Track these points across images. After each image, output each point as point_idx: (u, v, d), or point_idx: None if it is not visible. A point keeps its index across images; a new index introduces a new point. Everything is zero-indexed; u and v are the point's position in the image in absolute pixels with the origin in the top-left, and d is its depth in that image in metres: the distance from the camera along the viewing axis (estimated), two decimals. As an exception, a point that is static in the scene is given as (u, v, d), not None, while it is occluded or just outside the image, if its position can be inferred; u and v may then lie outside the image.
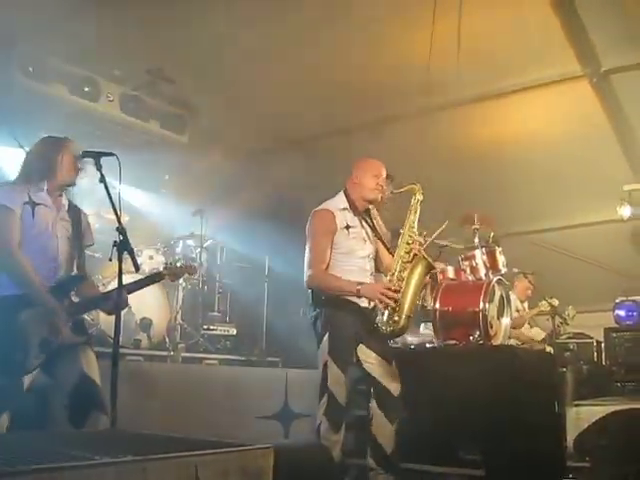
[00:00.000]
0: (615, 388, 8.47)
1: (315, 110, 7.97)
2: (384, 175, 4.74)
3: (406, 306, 4.40)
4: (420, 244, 4.54)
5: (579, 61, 6.96)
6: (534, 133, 7.94)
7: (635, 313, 8.84)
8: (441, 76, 6.78)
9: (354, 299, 4.50)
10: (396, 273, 4.47)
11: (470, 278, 5.86)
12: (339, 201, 4.73)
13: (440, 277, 5.95)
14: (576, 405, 7.14)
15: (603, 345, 8.90)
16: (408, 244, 4.53)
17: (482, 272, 5.89)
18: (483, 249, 5.99)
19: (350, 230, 4.62)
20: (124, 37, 6.79)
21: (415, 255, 4.49)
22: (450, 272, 6.03)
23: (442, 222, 5.49)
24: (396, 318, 4.39)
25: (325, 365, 4.44)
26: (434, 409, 4.91)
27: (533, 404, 5.02)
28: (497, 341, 5.49)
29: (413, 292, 4.45)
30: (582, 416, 6.76)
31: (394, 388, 4.58)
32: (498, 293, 5.57)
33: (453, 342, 5.43)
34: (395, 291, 4.37)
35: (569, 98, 7.43)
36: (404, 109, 7.93)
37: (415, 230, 4.59)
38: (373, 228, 4.81)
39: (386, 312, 4.39)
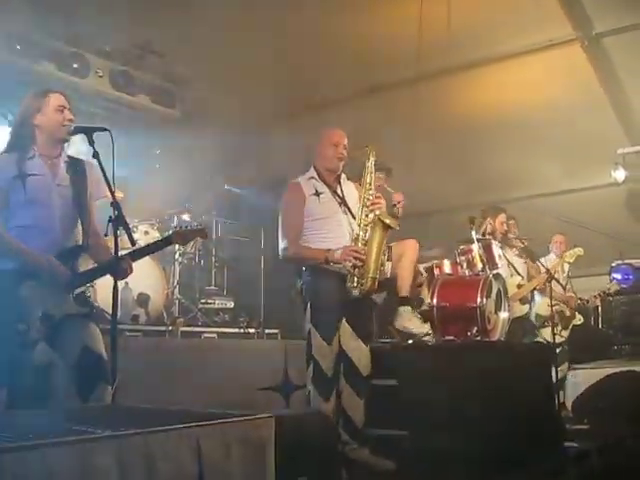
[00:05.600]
0: (612, 351, 8.52)
1: (307, 81, 7.93)
2: (344, 142, 4.77)
3: (371, 267, 4.48)
4: (377, 204, 4.60)
5: (571, 24, 6.91)
6: (526, 99, 7.91)
7: (631, 276, 8.88)
8: (432, 42, 6.73)
9: (335, 267, 4.53)
10: (360, 237, 4.56)
11: (467, 273, 5.83)
12: (307, 173, 4.79)
13: (437, 271, 5.94)
14: (574, 369, 7.21)
15: (599, 309, 8.94)
16: (366, 207, 4.61)
17: (479, 267, 5.86)
18: (480, 243, 5.96)
19: (321, 196, 4.67)
20: (111, 12, 6.72)
21: (375, 215, 4.57)
22: (447, 266, 6.00)
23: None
24: (363, 280, 4.47)
25: (309, 333, 4.52)
26: (431, 405, 4.85)
27: (529, 393, 4.96)
28: (495, 336, 5.46)
29: (376, 253, 4.52)
30: (580, 379, 6.83)
31: (363, 367, 4.62)
32: (495, 288, 5.56)
33: (451, 338, 5.41)
34: (360, 252, 4.44)
35: (561, 62, 7.39)
36: (395, 77, 7.89)
37: (372, 192, 4.65)
38: (342, 198, 4.79)
39: (355, 277, 4.47)
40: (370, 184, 4.66)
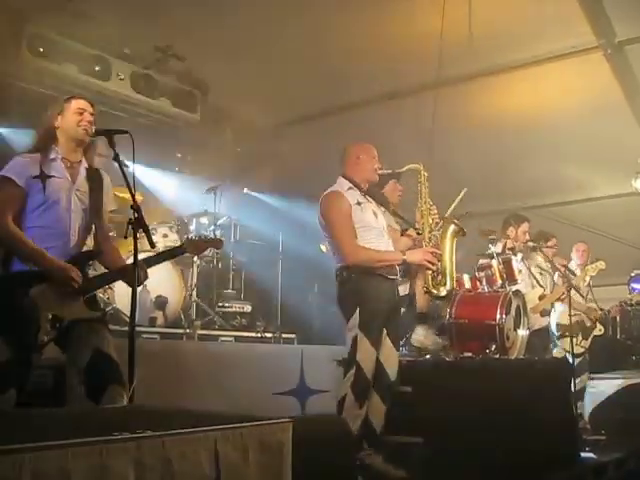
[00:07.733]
0: (631, 361, 8.45)
1: (326, 85, 7.93)
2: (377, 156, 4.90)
3: (447, 267, 4.70)
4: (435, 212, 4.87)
5: (593, 32, 6.87)
6: (547, 106, 7.87)
7: (651, 287, 8.82)
8: (453, 48, 6.70)
9: (384, 272, 4.57)
10: (429, 242, 4.75)
11: (486, 289, 5.77)
12: (342, 184, 4.77)
13: (456, 287, 5.89)
14: (592, 379, 7.16)
15: (618, 319, 8.87)
16: (430, 214, 4.82)
17: (499, 282, 5.81)
18: (499, 259, 5.90)
19: (362, 206, 4.68)
20: (133, 15, 6.76)
21: (439, 221, 4.84)
22: (466, 281, 5.95)
23: (455, 197, 5.47)
24: (444, 279, 4.69)
25: (355, 339, 4.43)
26: (448, 422, 4.79)
27: (547, 409, 4.90)
28: (514, 353, 5.41)
29: (449, 253, 4.74)
30: (598, 390, 6.78)
31: (392, 372, 4.61)
32: (515, 304, 5.51)
33: (469, 354, 5.36)
34: (438, 252, 4.67)
35: (583, 70, 7.35)
36: (415, 83, 7.88)
37: (430, 201, 4.86)
38: (382, 200, 4.98)
39: (429, 277, 4.69)
40: (426, 194, 4.89)
